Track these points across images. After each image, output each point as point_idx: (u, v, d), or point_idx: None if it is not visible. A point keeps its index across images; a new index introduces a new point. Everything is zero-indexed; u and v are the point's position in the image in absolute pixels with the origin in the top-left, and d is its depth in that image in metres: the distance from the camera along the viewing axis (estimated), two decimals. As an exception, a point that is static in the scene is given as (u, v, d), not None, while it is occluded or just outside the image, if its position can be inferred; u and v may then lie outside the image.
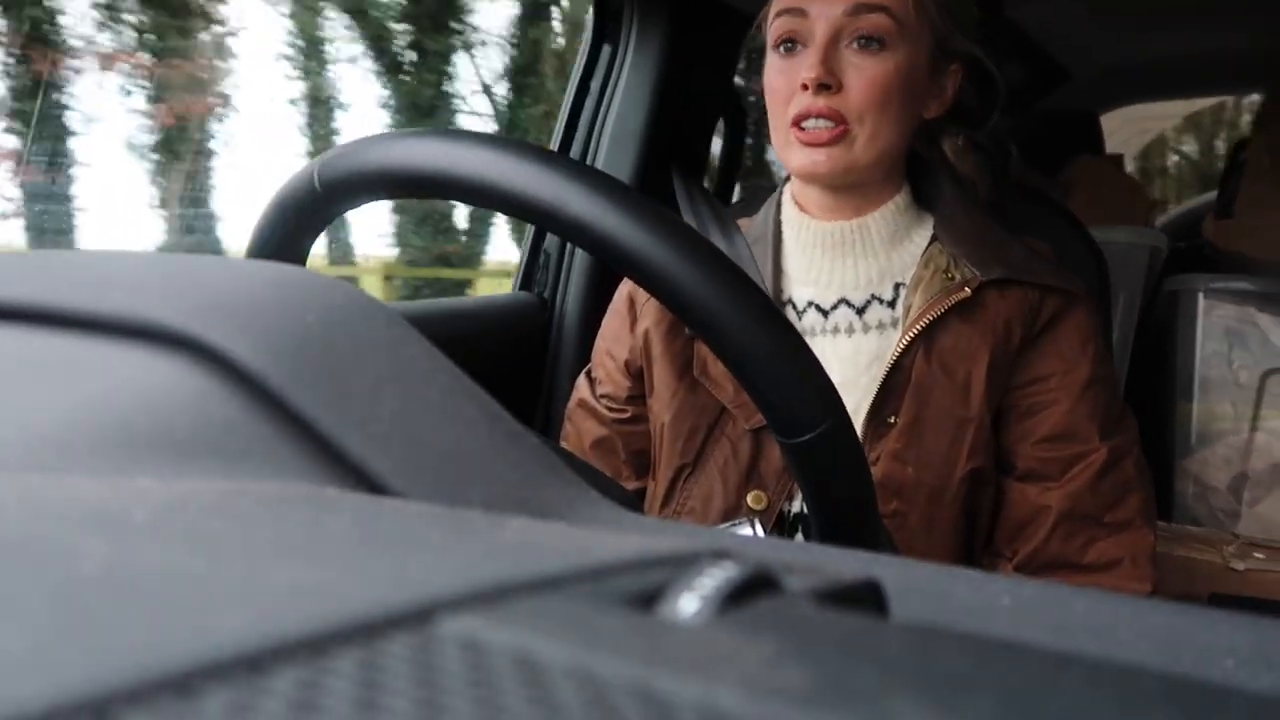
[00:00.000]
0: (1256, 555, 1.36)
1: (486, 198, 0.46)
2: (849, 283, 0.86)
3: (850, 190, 0.85)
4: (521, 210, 0.46)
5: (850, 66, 0.78)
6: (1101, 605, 0.22)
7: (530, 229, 1.39)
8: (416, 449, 0.25)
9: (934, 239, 0.85)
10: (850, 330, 0.85)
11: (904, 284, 0.85)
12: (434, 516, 0.20)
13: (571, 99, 1.39)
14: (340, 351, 0.26)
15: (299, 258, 0.60)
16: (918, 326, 0.81)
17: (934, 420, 0.81)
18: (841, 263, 0.86)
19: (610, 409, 0.93)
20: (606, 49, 1.38)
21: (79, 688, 0.10)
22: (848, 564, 0.26)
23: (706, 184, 1.52)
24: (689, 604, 0.15)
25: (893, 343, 0.82)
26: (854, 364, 0.84)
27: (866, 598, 0.18)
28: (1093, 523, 0.80)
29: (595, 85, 1.38)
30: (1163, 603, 0.23)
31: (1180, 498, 1.67)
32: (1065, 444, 0.81)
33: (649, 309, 0.90)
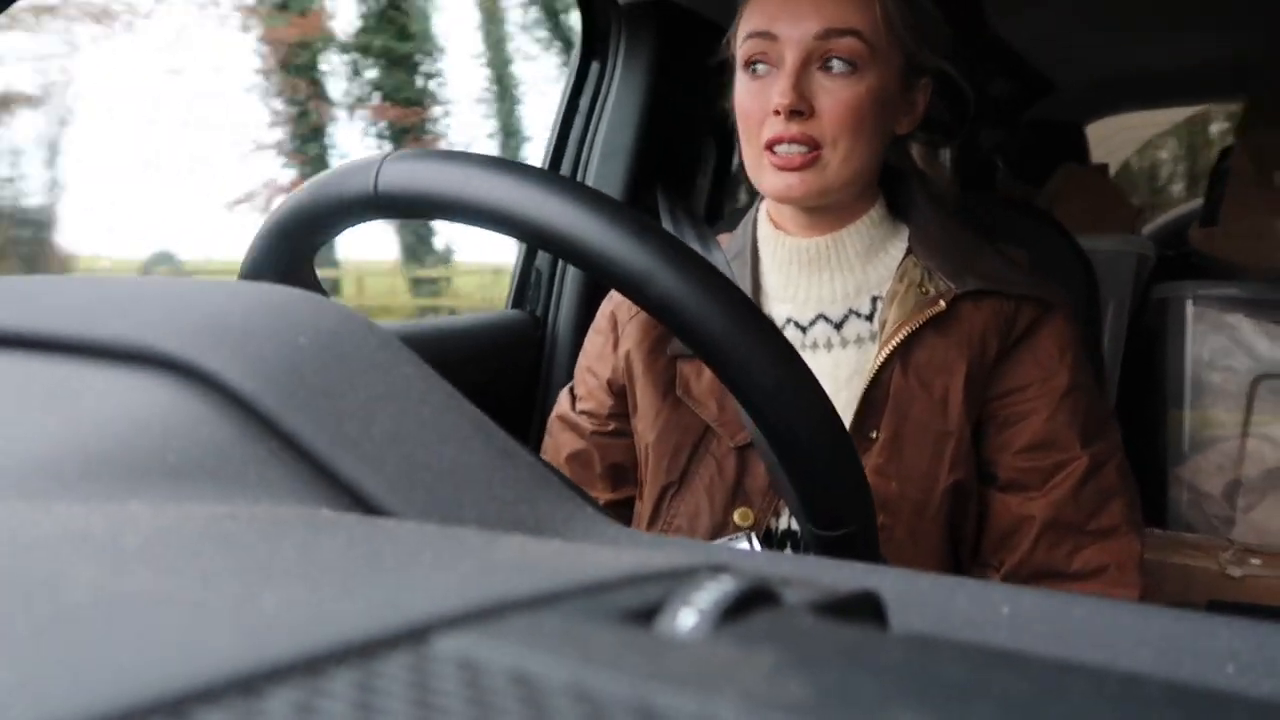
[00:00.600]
0: (1253, 561, 1.36)
1: (517, 228, 0.46)
2: (826, 298, 0.86)
3: (825, 208, 0.85)
4: (557, 248, 0.46)
5: (821, 90, 0.78)
6: (1101, 612, 0.22)
7: (521, 246, 1.39)
8: (410, 468, 0.25)
9: (909, 251, 0.85)
10: (829, 345, 0.85)
11: (880, 297, 0.85)
12: (428, 535, 0.20)
13: (561, 116, 1.39)
14: (332, 372, 0.26)
15: (297, 276, 0.60)
16: (893, 342, 0.81)
17: (914, 435, 0.81)
18: (818, 278, 0.86)
19: (591, 423, 0.94)
20: (595, 66, 1.39)
21: (69, 716, 0.10)
22: (845, 576, 0.25)
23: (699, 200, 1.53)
24: (687, 618, 0.15)
25: (871, 356, 0.83)
26: (833, 379, 0.84)
27: (865, 609, 0.18)
28: (1077, 531, 0.80)
29: (584, 103, 1.39)
30: (1162, 609, 0.23)
31: (1174, 505, 1.68)
32: (1045, 453, 0.81)
33: (631, 330, 0.90)
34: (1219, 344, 1.66)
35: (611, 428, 0.93)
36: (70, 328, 0.26)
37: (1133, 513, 0.82)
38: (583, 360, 0.97)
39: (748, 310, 0.44)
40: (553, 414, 0.98)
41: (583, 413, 0.95)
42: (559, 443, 0.95)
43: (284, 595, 0.15)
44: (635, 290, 0.44)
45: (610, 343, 0.93)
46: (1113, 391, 1.69)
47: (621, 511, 0.92)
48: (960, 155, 2.16)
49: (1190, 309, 1.69)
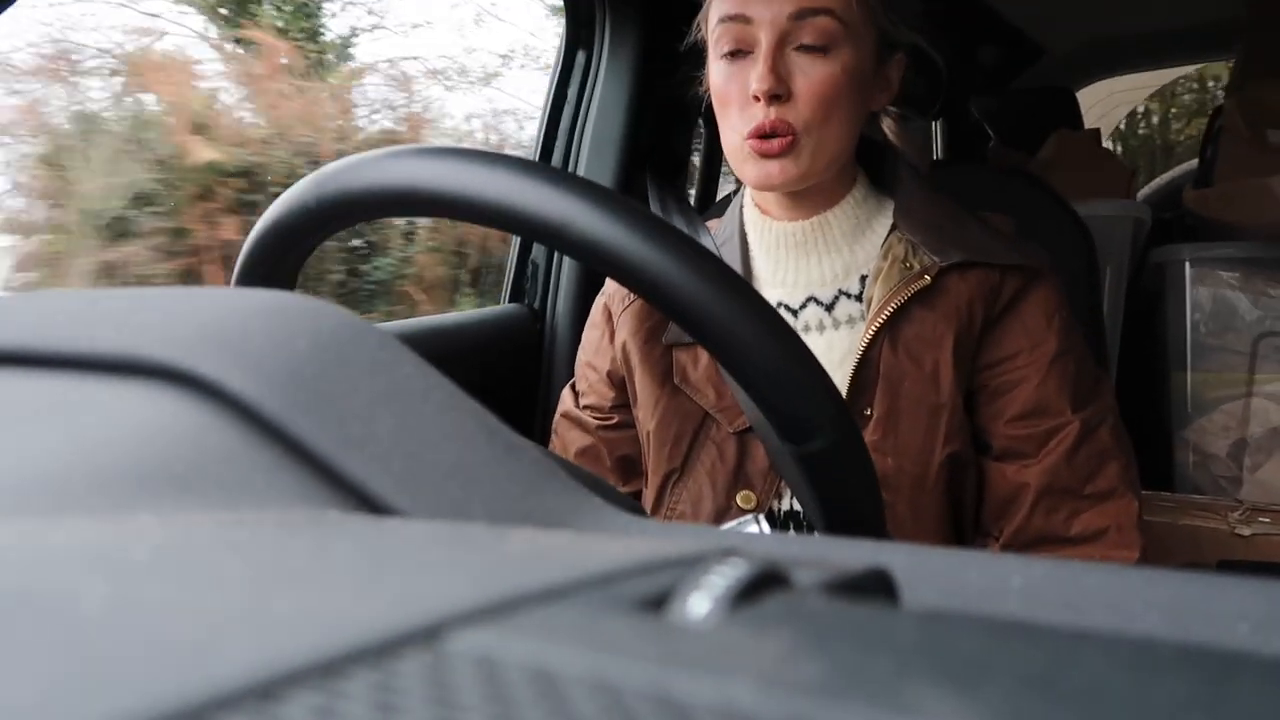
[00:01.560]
0: (1262, 520, 1.37)
1: (496, 219, 0.46)
2: (815, 280, 0.86)
3: (807, 191, 0.85)
4: (528, 231, 0.45)
5: (798, 71, 0.78)
6: (1112, 579, 0.22)
7: (516, 240, 1.39)
8: (416, 467, 0.25)
9: (893, 227, 0.85)
10: (821, 327, 0.85)
11: (869, 276, 0.85)
12: (438, 533, 0.20)
13: (549, 107, 1.39)
14: (333, 375, 0.26)
15: (290, 279, 0.60)
16: (880, 318, 0.81)
17: (907, 410, 0.81)
18: (805, 261, 0.86)
19: (595, 418, 0.94)
20: (581, 55, 1.38)
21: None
22: (856, 554, 0.26)
23: (690, 187, 1.52)
24: (700, 604, 0.15)
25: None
26: (827, 360, 0.84)
27: (877, 587, 0.18)
28: (1073, 495, 0.80)
29: (572, 92, 1.38)
30: (1173, 572, 0.23)
31: (1181, 467, 1.68)
32: (1038, 419, 0.81)
33: (626, 320, 0.90)
34: (1219, 305, 1.66)
35: (615, 420, 0.93)
36: (68, 342, 0.26)
37: (1128, 473, 0.82)
38: (582, 355, 0.97)
39: (713, 266, 0.44)
40: (557, 413, 0.98)
41: (586, 407, 0.95)
42: (566, 441, 0.96)
43: (297, 599, 0.15)
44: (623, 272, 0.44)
45: (606, 335, 0.93)
46: (1114, 357, 1.69)
47: (636, 503, 0.93)
48: (951, 125, 2.16)
49: (1189, 271, 1.68)
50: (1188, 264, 1.68)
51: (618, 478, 0.93)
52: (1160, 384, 1.73)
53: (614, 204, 0.44)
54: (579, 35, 1.37)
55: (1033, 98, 2.22)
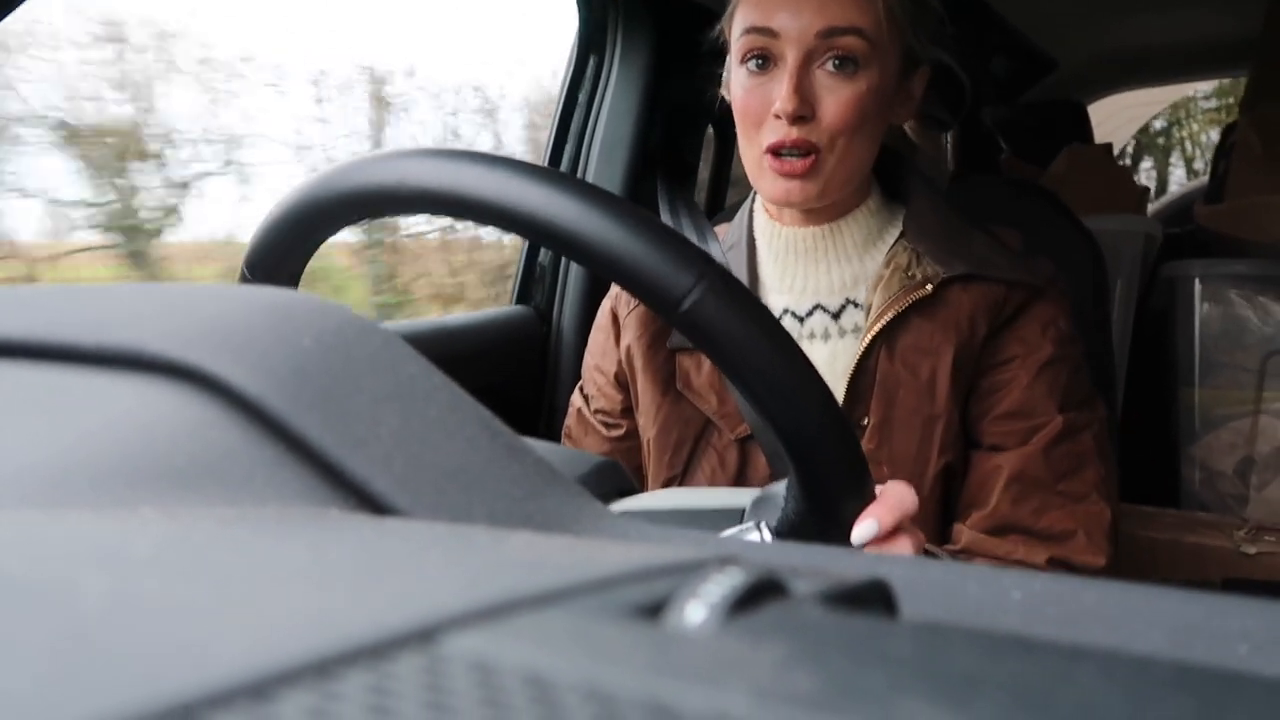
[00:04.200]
0: (1268, 539, 1.36)
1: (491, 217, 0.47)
2: (823, 288, 0.86)
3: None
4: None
5: (823, 89, 0.77)
6: (1112, 595, 0.22)
7: (525, 243, 1.39)
8: (418, 467, 0.25)
9: (900, 235, 0.85)
10: (826, 336, 0.85)
11: (869, 282, 0.85)
12: (437, 534, 0.20)
13: (560, 110, 1.39)
14: (338, 373, 0.26)
15: (295, 275, 0.60)
16: (877, 326, 0.81)
17: (902, 419, 0.81)
18: (815, 268, 0.86)
19: (606, 424, 0.93)
20: (593, 59, 1.38)
21: (84, 724, 0.10)
22: (855, 565, 0.25)
23: (699, 192, 1.52)
24: (696, 612, 0.15)
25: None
26: (831, 370, 0.84)
27: (875, 598, 0.18)
28: (1044, 488, 0.79)
29: (583, 96, 1.38)
30: (1173, 590, 0.22)
31: (1187, 484, 1.67)
32: (1023, 419, 0.81)
33: (631, 323, 0.90)
34: (1228, 321, 1.66)
35: (625, 429, 0.93)
36: (73, 336, 0.26)
37: (1105, 484, 0.81)
38: (589, 359, 0.97)
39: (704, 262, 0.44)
40: (569, 419, 0.98)
41: (597, 412, 0.95)
42: (583, 447, 0.95)
43: (294, 597, 0.15)
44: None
45: (612, 337, 0.93)
46: (1123, 372, 1.68)
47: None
48: (963, 136, 2.16)
49: (1198, 287, 1.68)
50: (1197, 280, 1.68)
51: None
52: (1168, 400, 1.72)
53: (600, 202, 0.44)
54: (591, 39, 1.38)
55: (1044, 111, 2.22)
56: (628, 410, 0.92)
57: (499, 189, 0.44)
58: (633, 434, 0.92)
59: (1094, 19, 1.90)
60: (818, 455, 0.45)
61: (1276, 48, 1.69)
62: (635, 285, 0.43)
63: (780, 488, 0.50)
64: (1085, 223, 1.14)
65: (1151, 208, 2.45)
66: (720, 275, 0.43)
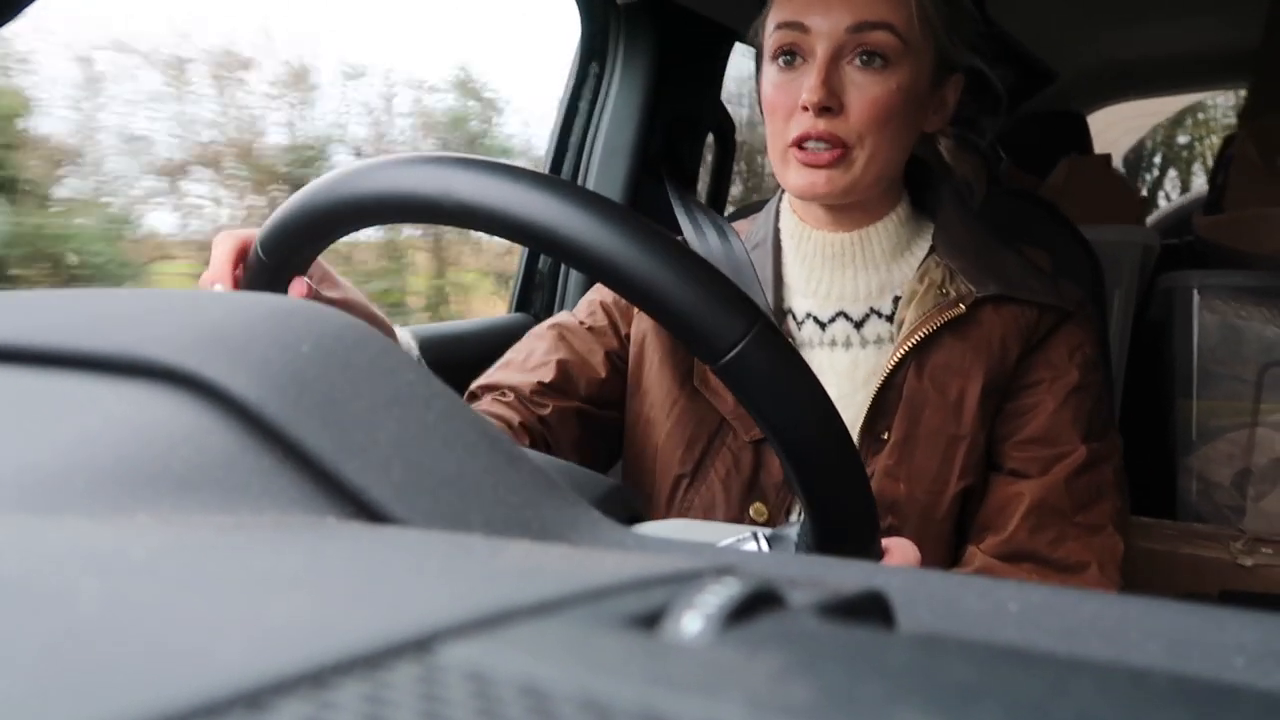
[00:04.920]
0: (1264, 551, 1.36)
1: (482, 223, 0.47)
2: (848, 295, 0.85)
3: (850, 205, 0.84)
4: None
5: (852, 85, 0.77)
6: (1110, 607, 0.22)
7: (524, 250, 1.39)
8: (415, 474, 0.25)
9: (931, 250, 0.85)
10: (848, 344, 0.85)
11: (902, 296, 0.84)
12: (433, 543, 0.20)
13: (561, 117, 1.39)
14: (336, 380, 0.26)
15: (309, 260, 0.60)
16: (910, 343, 0.80)
17: (925, 437, 0.80)
18: (841, 275, 0.85)
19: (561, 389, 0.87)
20: (594, 67, 1.39)
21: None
22: (852, 575, 0.25)
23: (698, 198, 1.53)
24: (692, 623, 0.15)
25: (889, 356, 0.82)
26: (851, 378, 0.83)
27: (872, 609, 0.18)
28: (1064, 519, 0.79)
29: (584, 104, 1.39)
30: (1171, 602, 0.22)
31: (1184, 495, 1.67)
32: (1047, 446, 0.81)
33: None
34: (1226, 333, 1.66)
35: (602, 397, 0.88)
36: (71, 342, 0.26)
37: (1121, 516, 0.82)
38: (594, 294, 0.93)
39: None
40: (542, 325, 0.92)
41: (590, 328, 0.90)
42: (536, 347, 0.88)
43: (290, 606, 0.15)
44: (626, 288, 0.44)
45: (608, 321, 0.90)
46: (1120, 383, 1.68)
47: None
48: (987, 148, 2.16)
49: (1196, 298, 1.68)
50: (1195, 291, 1.68)
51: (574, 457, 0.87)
52: (1165, 411, 1.72)
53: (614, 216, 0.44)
54: (593, 46, 1.38)
55: (1043, 121, 2.23)
56: (614, 361, 0.88)
57: (553, 214, 0.44)
58: (608, 404, 0.88)
59: (1093, 30, 1.91)
60: (836, 512, 0.45)
61: (1275, 60, 1.70)
62: (681, 328, 0.44)
63: (792, 533, 0.51)
64: (1083, 233, 1.14)
65: (1150, 218, 2.46)
66: (768, 328, 0.43)
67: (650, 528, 0.58)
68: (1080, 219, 1.19)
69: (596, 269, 0.44)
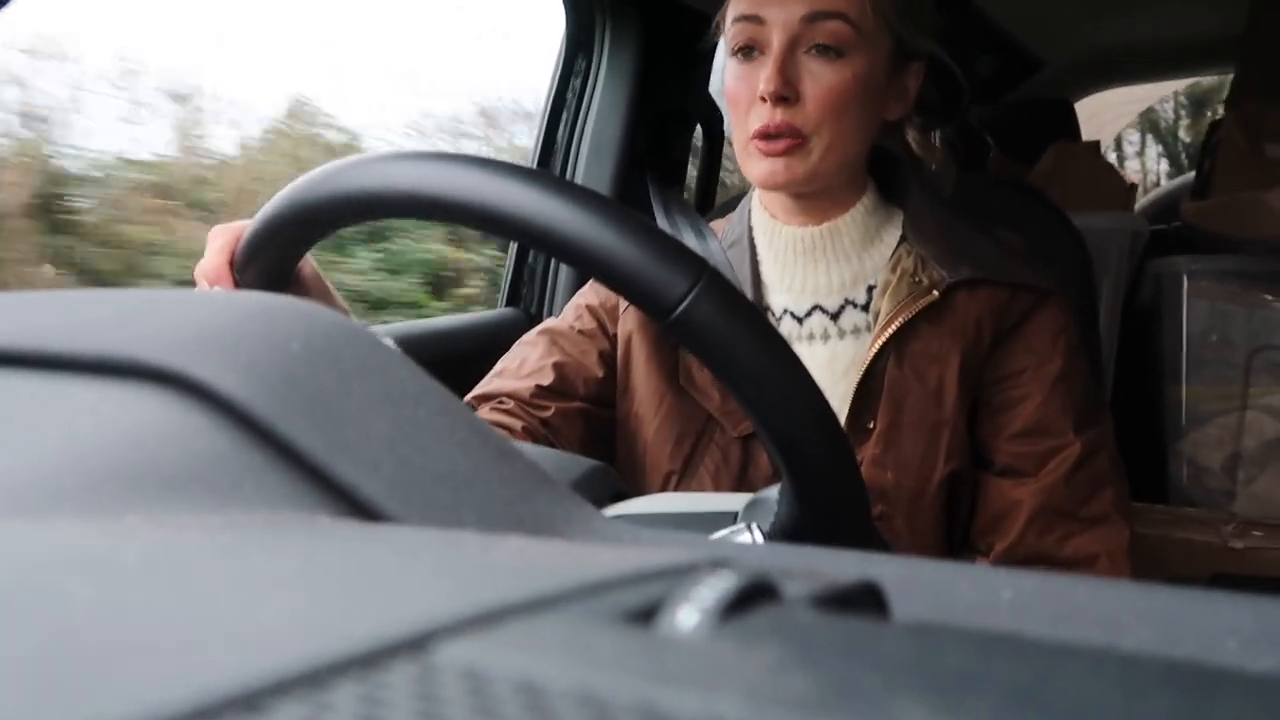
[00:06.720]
0: (1255, 534, 1.37)
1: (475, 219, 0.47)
2: (822, 288, 0.86)
3: (815, 195, 0.85)
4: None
5: (808, 75, 0.78)
6: (1102, 593, 0.22)
7: (514, 245, 1.39)
8: (408, 472, 0.25)
9: (902, 239, 0.85)
10: (825, 336, 0.85)
11: (876, 286, 0.85)
12: (427, 540, 0.20)
13: (548, 111, 1.39)
14: (326, 378, 0.26)
15: (285, 277, 0.60)
16: (887, 333, 0.81)
17: (910, 425, 0.81)
18: (814, 268, 0.86)
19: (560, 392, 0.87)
20: (581, 59, 1.38)
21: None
22: (847, 566, 0.25)
23: (687, 191, 1.53)
24: (688, 616, 0.15)
25: (867, 347, 0.83)
26: (831, 370, 0.84)
27: (866, 599, 0.18)
28: (1068, 517, 0.80)
29: (571, 97, 1.38)
30: (1163, 587, 0.23)
31: (1175, 480, 1.68)
32: (1039, 439, 0.81)
33: (634, 312, 0.89)
34: (1214, 317, 1.67)
35: (589, 397, 0.87)
36: (59, 343, 0.26)
37: (1122, 501, 0.82)
38: (579, 299, 0.92)
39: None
40: (532, 331, 0.92)
41: (581, 332, 0.90)
42: (527, 357, 0.88)
43: (284, 606, 0.15)
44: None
45: (597, 324, 0.90)
46: (1110, 368, 1.69)
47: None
48: (955, 136, 2.16)
49: (1185, 283, 1.69)
50: (1184, 276, 1.68)
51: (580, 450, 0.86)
52: (1155, 396, 1.73)
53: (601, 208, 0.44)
54: (579, 39, 1.38)
55: (1031, 109, 2.23)
56: (605, 362, 0.88)
57: (491, 192, 0.44)
58: (599, 403, 0.88)
59: (1079, 17, 1.91)
60: (809, 459, 0.44)
61: (1260, 45, 1.70)
62: (628, 288, 0.43)
63: (773, 492, 0.50)
64: (1072, 220, 1.15)
65: (1138, 204, 2.46)
66: (715, 279, 0.43)
67: (633, 504, 0.58)
68: (1069, 206, 1.19)
69: (539, 239, 0.44)
